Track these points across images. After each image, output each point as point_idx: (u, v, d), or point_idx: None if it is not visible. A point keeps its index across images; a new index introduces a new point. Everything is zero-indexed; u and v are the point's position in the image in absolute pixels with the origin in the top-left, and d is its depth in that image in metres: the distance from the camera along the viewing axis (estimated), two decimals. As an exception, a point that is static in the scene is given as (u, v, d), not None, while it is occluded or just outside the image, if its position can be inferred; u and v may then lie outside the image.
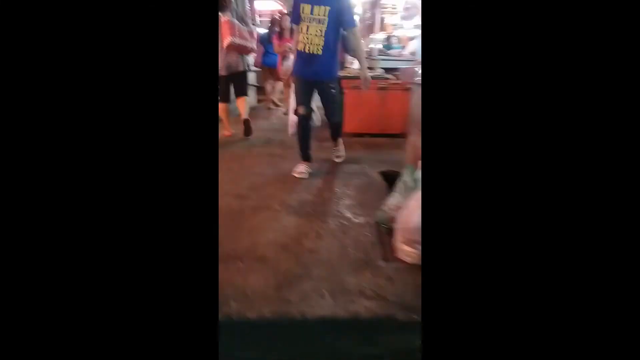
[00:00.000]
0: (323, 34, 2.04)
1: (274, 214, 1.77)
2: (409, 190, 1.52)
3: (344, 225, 1.66)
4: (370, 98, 3.52)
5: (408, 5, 4.15)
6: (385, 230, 1.56)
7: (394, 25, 6.44)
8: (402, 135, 3.65)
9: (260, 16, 6.62)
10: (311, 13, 2.04)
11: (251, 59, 4.30)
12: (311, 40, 2.06)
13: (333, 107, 2.27)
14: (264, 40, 4.17)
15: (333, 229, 1.62)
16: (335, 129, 2.51)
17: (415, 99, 2.07)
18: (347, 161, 2.71)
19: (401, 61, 3.92)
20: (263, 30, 4.46)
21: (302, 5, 2.06)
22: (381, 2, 4.70)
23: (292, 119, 2.42)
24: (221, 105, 3.27)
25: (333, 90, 2.20)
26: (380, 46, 4.07)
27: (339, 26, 2.06)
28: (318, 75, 2.15)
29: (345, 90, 3.50)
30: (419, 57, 3.04)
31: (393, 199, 1.56)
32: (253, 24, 4.09)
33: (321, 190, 2.11)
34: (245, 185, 2.18)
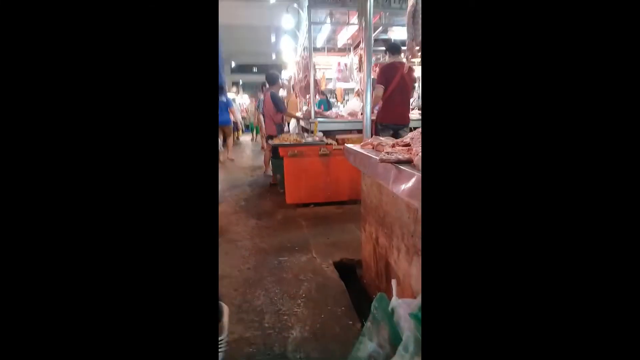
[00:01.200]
0: None
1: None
2: (383, 332, 1.07)
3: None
4: (312, 165, 3.18)
5: (341, 68, 4.05)
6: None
7: (329, 79, 6.46)
8: (349, 202, 3.35)
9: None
10: None
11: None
12: None
13: None
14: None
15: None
16: None
17: (368, 181, 1.72)
18: (292, 250, 2.23)
19: (340, 123, 3.72)
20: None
21: None
22: (315, 61, 4.61)
23: None
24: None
25: None
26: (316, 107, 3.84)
27: None
28: None
29: (285, 159, 3.12)
30: (364, 115, 2.79)
31: (363, 349, 1.09)
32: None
33: (260, 312, 1.57)
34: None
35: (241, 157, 6.33)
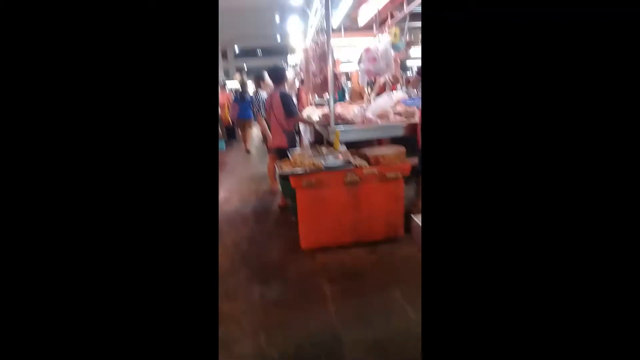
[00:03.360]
0: None
1: None
2: None
3: None
4: (335, 198, 2.31)
5: (374, 55, 3.08)
6: None
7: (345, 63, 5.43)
8: (385, 241, 2.51)
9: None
10: None
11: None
12: None
13: None
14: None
15: None
16: None
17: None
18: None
19: (369, 131, 2.82)
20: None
21: None
22: (334, 52, 3.66)
23: None
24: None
25: None
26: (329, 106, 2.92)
27: None
28: None
29: (298, 191, 2.27)
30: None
31: None
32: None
33: None
34: None
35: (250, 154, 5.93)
